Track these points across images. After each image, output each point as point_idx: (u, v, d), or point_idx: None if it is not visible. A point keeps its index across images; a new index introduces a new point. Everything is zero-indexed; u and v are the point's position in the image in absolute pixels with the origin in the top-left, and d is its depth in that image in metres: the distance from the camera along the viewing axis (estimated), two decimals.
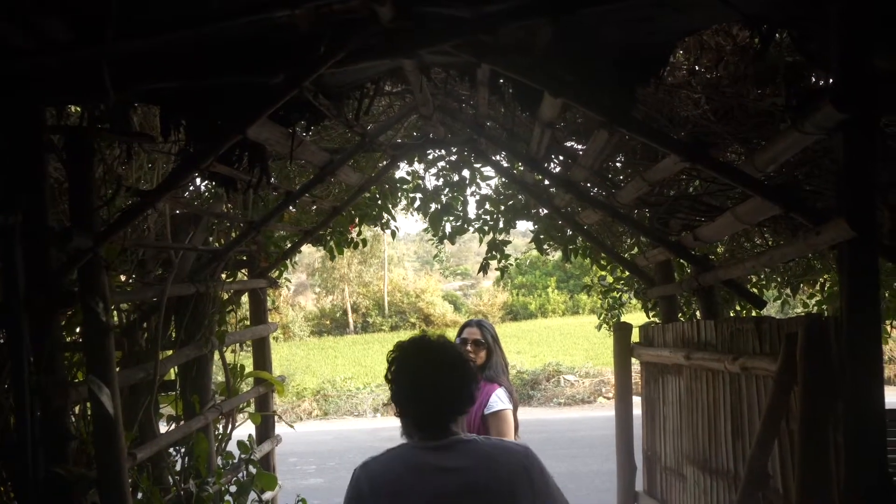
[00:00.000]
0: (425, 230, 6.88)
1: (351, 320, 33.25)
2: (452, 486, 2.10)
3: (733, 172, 2.90)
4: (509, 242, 6.64)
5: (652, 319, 5.88)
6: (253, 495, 4.18)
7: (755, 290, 6.37)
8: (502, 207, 6.28)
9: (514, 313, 35.29)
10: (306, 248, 6.84)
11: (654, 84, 3.05)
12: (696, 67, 3.62)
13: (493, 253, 6.59)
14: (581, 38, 2.61)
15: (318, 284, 36.10)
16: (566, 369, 17.86)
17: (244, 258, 5.05)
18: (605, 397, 16.11)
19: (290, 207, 5.31)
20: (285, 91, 2.44)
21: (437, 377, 2.21)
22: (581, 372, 17.73)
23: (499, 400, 3.84)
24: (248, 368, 5.06)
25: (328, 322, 33.44)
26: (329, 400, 16.82)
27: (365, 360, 23.40)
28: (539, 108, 3.20)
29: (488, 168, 5.91)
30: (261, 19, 2.14)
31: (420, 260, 48.61)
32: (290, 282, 8.36)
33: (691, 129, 3.59)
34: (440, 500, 2.09)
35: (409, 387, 2.23)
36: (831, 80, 2.45)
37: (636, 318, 6.25)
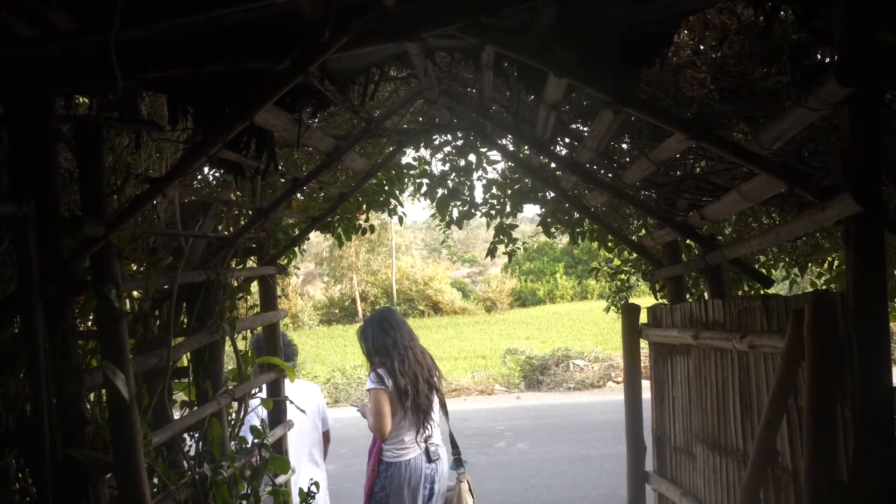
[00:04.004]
0: (433, 216, 6.89)
1: (360, 309, 33.32)
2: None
3: (738, 150, 2.90)
4: (516, 227, 6.65)
5: (660, 301, 5.88)
6: (266, 479, 4.23)
7: (763, 271, 6.36)
8: (509, 191, 6.29)
9: (522, 299, 35.31)
10: (314, 238, 6.91)
11: (658, 64, 3.04)
12: (701, 47, 3.62)
13: (501, 237, 6.61)
14: (584, 18, 2.61)
15: (326, 273, 36.17)
16: (575, 354, 17.87)
17: (253, 245, 5.07)
18: (614, 382, 16.14)
19: (298, 195, 5.34)
20: (291, 77, 2.45)
21: None
22: (590, 357, 17.74)
23: (368, 381, 4.64)
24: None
25: (337, 311, 33.52)
26: (339, 388, 16.89)
27: None
28: (544, 90, 3.21)
29: (494, 152, 5.92)
30: (265, 5, 2.16)
31: (428, 248, 48.65)
32: (298, 270, 8.41)
33: (697, 110, 3.59)
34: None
35: None
36: (836, 56, 2.45)
37: (644, 300, 6.25)
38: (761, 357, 3.44)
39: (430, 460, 4.60)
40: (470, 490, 4.84)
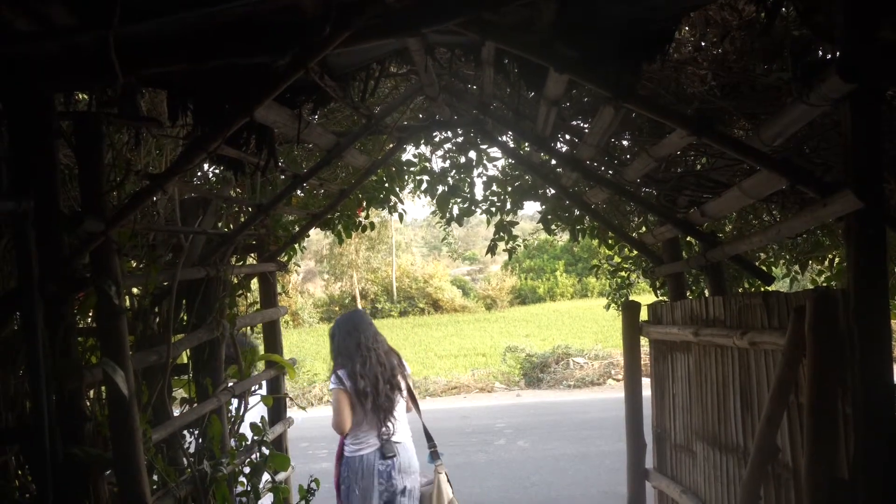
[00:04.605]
0: (433, 213, 6.88)
1: (360, 306, 33.30)
2: None
3: (740, 146, 2.89)
4: (517, 224, 6.64)
5: (661, 299, 5.88)
6: (266, 476, 4.23)
7: (764, 268, 6.36)
8: (509, 188, 6.28)
9: (522, 297, 35.27)
10: (314, 235, 6.91)
11: (659, 60, 3.04)
12: (702, 43, 3.61)
13: (501, 234, 6.60)
14: (585, 14, 2.60)
15: (326, 271, 36.14)
16: (575, 352, 17.84)
17: (253, 242, 5.08)
18: (614, 379, 16.12)
19: (298, 191, 5.33)
20: (291, 72, 2.45)
21: None
22: (590, 354, 17.72)
23: (330, 381, 4.78)
24: (260, 351, 5.12)
25: (337, 308, 33.43)
26: None
27: None
28: (544, 86, 3.20)
29: (495, 149, 5.91)
30: (265, 1, 2.16)
31: (428, 245, 48.65)
32: (299, 267, 8.41)
33: (698, 106, 3.58)
34: None
35: None
36: (837, 53, 2.44)
37: (645, 298, 6.25)
38: (762, 354, 3.43)
39: (384, 457, 4.76)
40: (448, 481, 4.95)
